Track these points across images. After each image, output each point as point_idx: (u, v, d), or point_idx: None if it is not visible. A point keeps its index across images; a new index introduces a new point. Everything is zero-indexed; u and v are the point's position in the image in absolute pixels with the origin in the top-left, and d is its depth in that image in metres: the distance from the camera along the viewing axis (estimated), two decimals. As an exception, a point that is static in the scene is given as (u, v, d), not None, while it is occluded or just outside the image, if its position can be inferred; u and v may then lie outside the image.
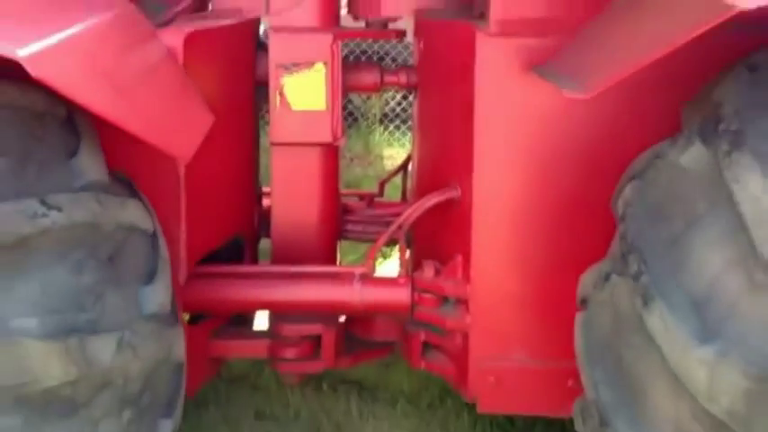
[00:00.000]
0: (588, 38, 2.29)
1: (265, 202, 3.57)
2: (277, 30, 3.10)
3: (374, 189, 4.01)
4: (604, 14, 2.24)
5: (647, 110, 2.50)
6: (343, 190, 3.75)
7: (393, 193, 4.08)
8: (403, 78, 3.32)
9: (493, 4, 2.61)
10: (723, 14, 1.67)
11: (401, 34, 3.40)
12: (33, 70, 1.74)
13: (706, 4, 1.66)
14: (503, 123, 2.65)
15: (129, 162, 2.39)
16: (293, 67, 3.04)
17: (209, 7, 3.30)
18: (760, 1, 1.63)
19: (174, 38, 2.66)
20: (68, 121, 2.19)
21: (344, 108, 7.90)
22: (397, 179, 3.94)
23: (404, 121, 8.07)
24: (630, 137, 2.38)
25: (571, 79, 2.21)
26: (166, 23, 2.85)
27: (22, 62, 1.72)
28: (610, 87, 2.08)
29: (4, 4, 2.06)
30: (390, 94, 7.96)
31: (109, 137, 2.23)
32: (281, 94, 3.06)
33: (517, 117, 2.63)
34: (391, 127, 8.29)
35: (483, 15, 2.70)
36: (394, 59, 7.84)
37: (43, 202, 1.91)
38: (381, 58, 7.86)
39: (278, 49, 3.06)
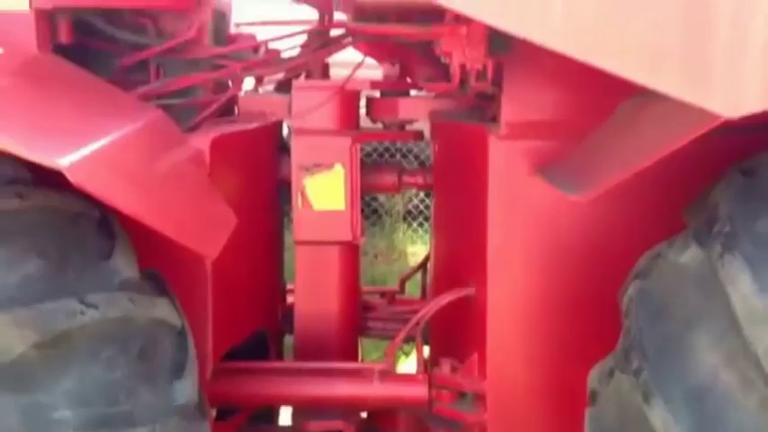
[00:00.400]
0: (589, 143, 2.40)
1: (290, 298, 3.66)
2: (298, 132, 3.24)
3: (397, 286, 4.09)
4: (606, 122, 2.36)
5: (652, 210, 2.59)
6: (366, 287, 3.83)
7: (415, 289, 4.16)
8: (421, 179, 3.44)
9: (504, 108, 2.72)
10: (710, 123, 1.78)
11: (418, 136, 3.53)
12: (73, 178, 1.89)
13: (694, 114, 1.77)
14: (515, 223, 2.73)
15: (158, 260, 2.51)
16: (314, 168, 3.17)
17: (236, 110, 3.46)
18: (743, 110, 1.74)
19: (201, 142, 2.82)
20: (103, 222, 2.33)
21: (369, 205, 8.07)
22: (419, 276, 4.02)
23: (427, 219, 8.20)
24: (637, 236, 2.46)
25: (571, 182, 2.32)
26: (194, 128, 3.02)
27: (63, 171, 1.87)
28: (616, 188, 2.18)
29: (46, 114, 2.23)
30: (414, 191, 8.12)
31: (140, 235, 2.36)
32: (303, 194, 3.18)
33: (528, 217, 2.72)
34: (415, 224, 8.42)
35: (495, 119, 2.82)
36: (416, 156, 8.02)
37: (81, 301, 2.03)
38: (404, 155, 8.05)
39: (299, 151, 3.20)
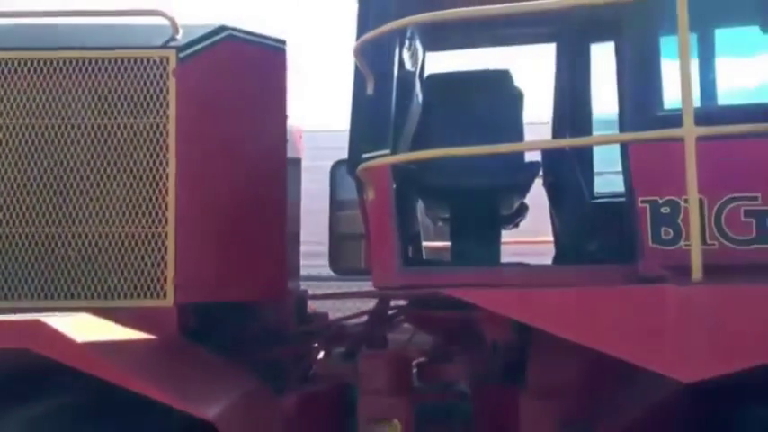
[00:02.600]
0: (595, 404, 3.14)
1: None
2: (364, 392, 3.89)
3: None
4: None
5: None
6: None
7: None
8: None
9: (530, 373, 3.46)
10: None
11: (462, 396, 4.23)
12: (222, 427, 2.66)
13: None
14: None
15: None
16: (376, 422, 3.84)
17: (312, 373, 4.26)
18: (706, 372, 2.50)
19: (288, 401, 3.66)
20: None
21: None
22: None
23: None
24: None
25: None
26: (281, 389, 3.79)
27: (213, 422, 2.65)
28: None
29: (190, 381, 3.04)
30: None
31: None
32: None
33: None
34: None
35: (524, 381, 3.54)
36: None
37: None
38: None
39: (364, 408, 3.78)
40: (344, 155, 3.75)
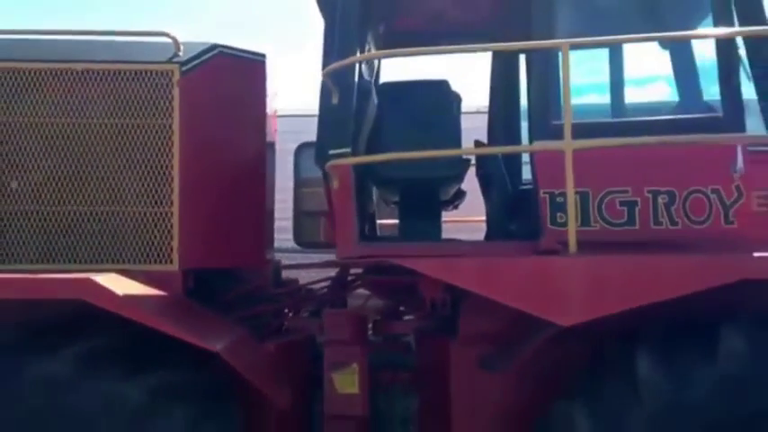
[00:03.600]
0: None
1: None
2: (328, 343, 4.81)
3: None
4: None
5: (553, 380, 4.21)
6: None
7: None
8: (406, 378, 5.05)
9: (461, 325, 4.40)
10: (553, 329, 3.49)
11: (407, 348, 5.18)
12: (227, 358, 3.56)
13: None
14: (473, 403, 4.30)
15: None
16: (338, 365, 4.74)
17: (284, 328, 5.16)
18: (576, 319, 3.45)
19: (269, 348, 4.53)
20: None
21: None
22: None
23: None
24: (545, 395, 4.07)
25: (496, 364, 3.98)
26: (262, 339, 4.69)
27: (220, 353, 3.55)
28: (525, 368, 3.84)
29: (194, 326, 3.92)
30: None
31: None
32: (331, 383, 4.69)
33: (480, 395, 4.30)
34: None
35: (456, 332, 4.47)
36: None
37: None
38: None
39: (329, 355, 4.73)
40: (305, 137, 4.55)
